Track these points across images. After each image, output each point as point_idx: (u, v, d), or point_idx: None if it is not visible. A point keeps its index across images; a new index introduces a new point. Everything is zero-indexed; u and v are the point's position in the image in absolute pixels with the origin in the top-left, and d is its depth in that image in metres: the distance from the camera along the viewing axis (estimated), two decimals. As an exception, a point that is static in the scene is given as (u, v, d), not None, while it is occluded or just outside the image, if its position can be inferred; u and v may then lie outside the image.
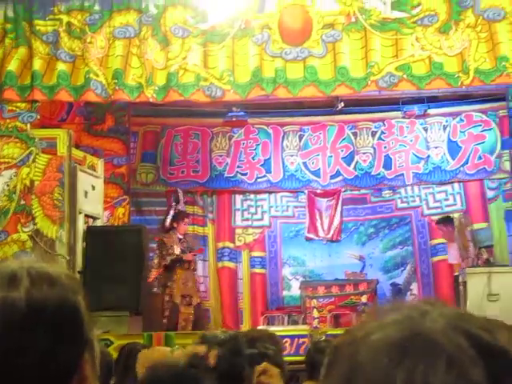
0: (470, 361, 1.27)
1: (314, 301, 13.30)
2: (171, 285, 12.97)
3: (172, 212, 13.66)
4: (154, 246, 13.39)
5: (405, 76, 10.57)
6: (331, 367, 1.40)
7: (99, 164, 12.37)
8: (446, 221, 13.41)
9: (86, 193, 11.54)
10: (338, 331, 9.63)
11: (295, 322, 13.16)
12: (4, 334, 1.66)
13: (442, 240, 14.21)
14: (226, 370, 4.83)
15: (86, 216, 11.65)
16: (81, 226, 11.36)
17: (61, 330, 1.69)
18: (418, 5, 10.51)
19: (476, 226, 13.62)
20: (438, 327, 1.32)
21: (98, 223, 12.08)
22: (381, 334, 1.34)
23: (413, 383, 1.25)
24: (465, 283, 11.22)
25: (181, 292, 12.91)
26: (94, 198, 11.92)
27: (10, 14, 10.95)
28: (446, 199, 14.53)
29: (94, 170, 12.09)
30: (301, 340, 10.08)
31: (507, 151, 12.35)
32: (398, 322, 1.35)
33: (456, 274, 12.51)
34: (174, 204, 13.89)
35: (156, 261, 13.16)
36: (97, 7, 10.98)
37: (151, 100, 11.13)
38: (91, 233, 11.44)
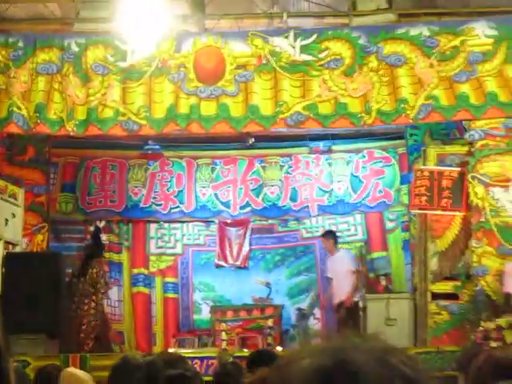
0: None
1: (223, 324, 13.39)
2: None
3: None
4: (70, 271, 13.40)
5: (311, 115, 10.68)
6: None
7: (20, 193, 12.32)
8: (328, 234, 13.64)
9: (6, 220, 11.47)
10: (245, 353, 9.60)
11: (205, 345, 13.13)
12: None
13: (344, 267, 14.46)
14: None
15: (6, 242, 11.54)
16: (0, 251, 11.26)
17: None
18: (325, 49, 10.63)
19: (375, 254, 13.98)
20: (365, 359, 1.38)
21: (18, 249, 11.98)
22: (312, 360, 1.40)
23: None
24: (365, 308, 11.40)
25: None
26: (14, 226, 11.84)
27: None
28: (348, 229, 14.60)
29: (15, 199, 12.03)
30: (210, 361, 10.07)
31: (405, 185, 12.55)
32: (329, 351, 1.41)
33: (356, 299, 12.69)
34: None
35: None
36: (20, 44, 10.95)
37: (72, 134, 11.17)
38: (10, 258, 11.35)
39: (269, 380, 1.60)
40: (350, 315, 12.70)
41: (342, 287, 12.89)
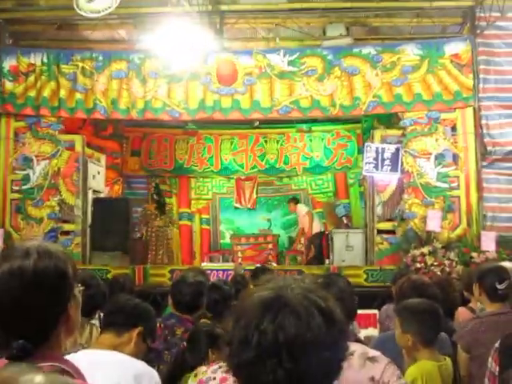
0: (311, 315, 1.49)
1: (239, 246, 13.35)
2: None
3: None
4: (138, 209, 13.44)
5: (295, 107, 10.50)
6: (234, 309, 1.65)
7: (102, 157, 12.34)
8: (291, 200, 13.75)
9: (93, 176, 11.43)
10: (252, 266, 9.58)
11: (226, 260, 13.13)
12: (16, 287, 1.74)
13: (319, 210, 14.36)
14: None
15: (94, 191, 11.48)
16: (90, 197, 11.22)
17: (54, 287, 1.79)
18: (304, 63, 10.40)
19: (340, 201, 13.86)
20: (294, 294, 1.54)
21: (101, 195, 11.92)
22: (260, 294, 1.57)
23: (273, 324, 1.46)
24: (332, 238, 11.32)
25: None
26: (99, 180, 11.79)
27: (45, 59, 10.71)
28: (322, 184, 14.60)
29: (99, 161, 12.01)
30: (229, 272, 9.89)
31: (361, 155, 12.36)
32: (271, 289, 1.57)
33: (327, 232, 12.54)
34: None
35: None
36: (100, 57, 10.77)
37: (135, 118, 11.00)
38: (96, 201, 11.30)
39: (233, 307, 1.76)
40: (310, 242, 12.86)
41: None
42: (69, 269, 1.84)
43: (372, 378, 2.94)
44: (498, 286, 4.37)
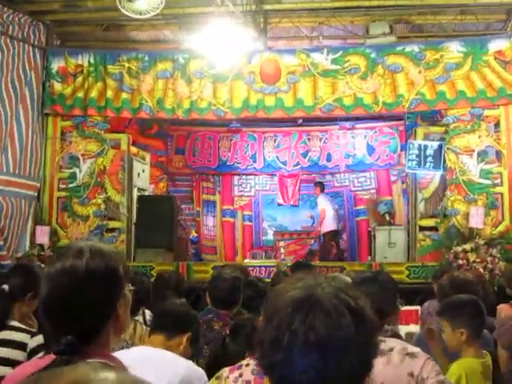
0: (341, 315, 1.50)
1: (282, 242, 13.34)
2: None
3: None
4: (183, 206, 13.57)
5: (338, 105, 10.55)
6: (265, 309, 1.64)
7: (147, 155, 12.40)
8: (317, 184, 13.98)
9: (138, 174, 11.54)
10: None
11: (269, 257, 13.17)
12: (68, 285, 1.81)
13: (362, 207, 14.36)
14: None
15: (139, 189, 11.59)
16: (135, 195, 11.33)
17: (105, 286, 1.86)
18: (348, 61, 10.45)
19: (383, 199, 13.77)
20: (325, 293, 1.54)
21: (146, 193, 12.01)
22: (291, 294, 1.56)
23: (304, 324, 1.48)
24: (374, 235, 11.32)
25: None
26: (144, 177, 11.88)
27: (92, 60, 10.93)
28: (365, 181, 14.51)
29: (144, 159, 12.08)
30: (271, 269, 9.95)
31: (403, 152, 12.31)
32: (301, 288, 1.57)
33: (369, 229, 12.60)
34: None
35: None
36: (146, 58, 10.93)
37: (180, 117, 11.13)
38: (141, 199, 11.39)
39: (264, 306, 1.69)
40: (331, 238, 13.07)
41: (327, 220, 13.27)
42: (120, 269, 1.90)
43: (411, 374, 2.96)
44: None
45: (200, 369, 3.27)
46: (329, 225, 13.16)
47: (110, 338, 1.88)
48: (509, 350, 4.36)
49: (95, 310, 1.82)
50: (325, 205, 13.36)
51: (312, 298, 1.52)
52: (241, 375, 2.64)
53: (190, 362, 3.25)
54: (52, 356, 1.75)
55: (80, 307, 1.80)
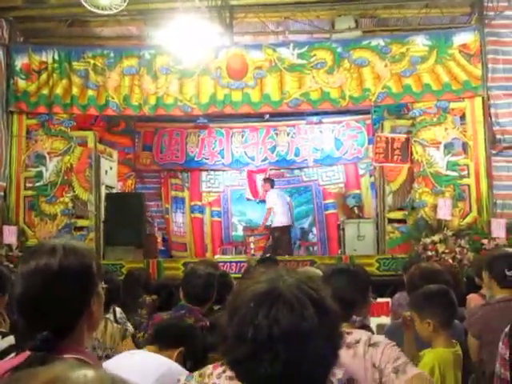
0: (304, 306, 1.51)
1: (252, 238, 13.43)
2: None
3: None
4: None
5: (305, 100, 10.55)
6: (228, 304, 1.63)
7: (115, 152, 12.31)
8: (266, 180, 13.82)
9: (106, 171, 11.46)
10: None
11: (239, 252, 13.21)
12: (43, 284, 1.81)
13: (330, 201, 14.42)
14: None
15: (107, 186, 11.51)
16: (103, 192, 11.25)
17: (79, 283, 1.86)
18: (314, 55, 10.46)
19: (351, 192, 13.87)
20: (287, 286, 1.55)
21: (114, 190, 11.95)
22: (252, 288, 1.57)
23: (267, 318, 1.48)
24: (344, 229, 11.38)
25: None
26: (112, 175, 11.82)
27: (56, 57, 10.78)
28: (333, 175, 14.58)
29: (111, 157, 11.99)
30: (242, 264, 9.97)
31: (371, 146, 12.36)
32: (264, 281, 1.58)
33: (338, 222, 12.68)
34: None
35: None
36: (112, 54, 10.84)
37: (147, 114, 11.07)
38: (109, 197, 11.33)
39: (228, 300, 1.67)
40: (283, 233, 12.96)
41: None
42: (93, 266, 1.90)
43: (374, 365, 2.93)
44: (508, 273, 4.39)
45: (179, 367, 3.26)
46: (280, 220, 12.93)
47: (84, 335, 1.89)
48: (479, 339, 4.40)
49: (69, 307, 1.83)
50: (275, 200, 13.06)
51: (274, 292, 1.53)
52: (224, 371, 2.64)
53: (173, 362, 3.24)
54: (27, 353, 1.75)
55: (54, 305, 1.81)
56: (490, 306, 4.57)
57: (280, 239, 12.79)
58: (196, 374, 2.85)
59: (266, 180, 13.81)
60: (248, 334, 1.48)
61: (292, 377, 1.48)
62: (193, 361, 3.46)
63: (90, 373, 0.88)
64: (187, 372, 3.04)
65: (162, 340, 3.42)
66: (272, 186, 13.47)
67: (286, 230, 13.01)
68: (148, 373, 2.48)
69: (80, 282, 1.85)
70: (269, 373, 1.46)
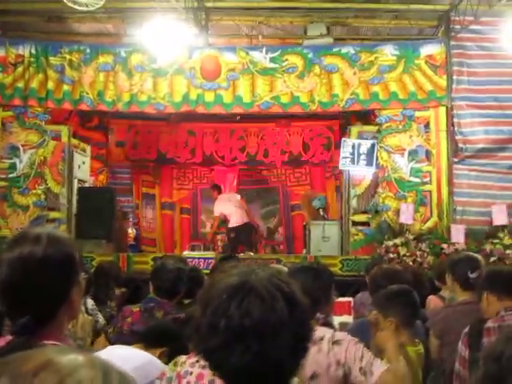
0: (274, 299, 1.52)
1: (220, 236, 13.42)
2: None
3: None
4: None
5: (276, 103, 10.53)
6: (201, 296, 1.65)
7: (88, 148, 12.11)
8: (214, 187, 13.85)
9: (79, 166, 11.33)
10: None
11: (208, 249, 13.18)
12: (27, 271, 1.80)
13: (297, 202, 14.47)
14: None
15: (79, 180, 11.39)
16: (76, 186, 11.14)
17: (62, 272, 1.85)
18: (286, 60, 10.45)
19: (317, 195, 13.83)
20: (259, 279, 1.57)
21: (86, 185, 11.81)
22: (226, 281, 1.60)
23: (239, 309, 1.50)
24: (309, 229, 11.39)
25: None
26: (84, 169, 11.68)
27: (33, 51, 10.66)
28: (300, 177, 14.65)
29: (84, 151, 11.83)
30: (210, 261, 9.93)
31: (338, 150, 12.33)
32: (236, 275, 1.61)
33: (304, 223, 12.68)
34: None
35: None
36: (88, 50, 10.73)
37: (120, 110, 10.99)
38: (82, 191, 11.23)
39: (201, 292, 1.70)
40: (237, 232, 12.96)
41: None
42: (76, 255, 1.91)
43: (338, 362, 2.97)
44: (470, 275, 4.42)
45: (159, 361, 3.28)
46: (233, 221, 12.96)
47: (64, 323, 1.90)
48: (440, 339, 4.44)
49: (51, 295, 1.84)
50: (223, 206, 13.10)
51: (246, 284, 1.55)
52: (198, 361, 2.63)
53: (151, 356, 3.28)
54: (6, 338, 1.77)
55: (36, 292, 1.81)
56: (451, 307, 4.61)
57: (237, 238, 12.78)
58: (171, 363, 2.85)
59: (213, 187, 13.74)
60: (220, 324, 1.50)
61: (262, 367, 1.50)
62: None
63: (80, 356, 0.89)
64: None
65: (147, 339, 3.50)
66: (219, 192, 13.46)
67: (241, 228, 12.94)
68: (129, 361, 2.48)
69: (62, 270, 1.85)
70: (240, 362, 1.48)
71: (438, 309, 4.83)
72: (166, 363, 3.33)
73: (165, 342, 3.47)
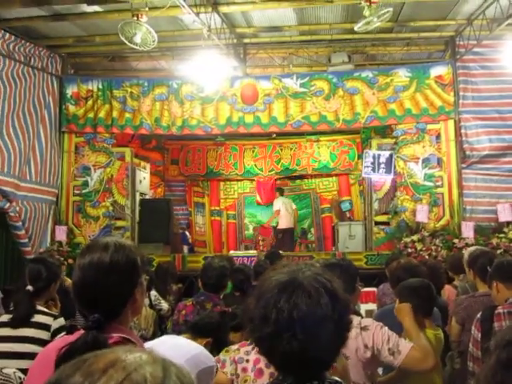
0: (319, 294, 1.51)
1: (260, 236, 13.43)
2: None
3: None
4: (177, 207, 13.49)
5: (306, 122, 10.54)
6: (255, 291, 1.64)
7: (147, 166, 12.31)
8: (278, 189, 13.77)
9: (140, 181, 11.47)
10: None
11: (250, 248, 13.16)
12: (97, 275, 1.82)
13: (326, 205, 14.40)
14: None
15: (141, 193, 11.51)
16: (138, 198, 11.26)
17: (126, 275, 1.86)
18: (314, 85, 10.45)
19: (344, 198, 13.86)
20: (306, 277, 1.56)
21: (147, 197, 11.94)
22: (276, 277, 1.58)
23: (289, 303, 1.49)
24: (337, 229, 11.37)
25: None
26: (145, 184, 11.82)
27: (100, 86, 10.87)
28: (328, 184, 14.53)
29: (145, 169, 12.01)
30: (252, 258, 9.90)
31: (360, 160, 12.34)
32: (286, 272, 1.59)
33: (333, 224, 12.62)
34: None
35: None
36: (145, 83, 10.86)
37: (174, 133, 11.06)
38: (143, 202, 11.36)
39: (254, 288, 1.67)
40: (284, 234, 13.00)
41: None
42: (138, 260, 1.92)
43: (366, 346, 2.97)
44: (489, 269, 4.36)
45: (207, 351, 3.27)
46: (282, 223, 12.98)
47: (128, 318, 1.91)
48: (462, 325, 4.41)
49: (117, 294, 1.85)
50: (279, 206, 13.07)
51: (295, 281, 1.54)
52: (253, 348, 2.60)
53: (202, 347, 3.25)
54: (80, 332, 1.78)
55: (105, 292, 1.83)
56: (473, 298, 4.53)
57: (282, 239, 12.83)
58: (223, 351, 2.83)
59: (276, 189, 13.76)
60: (272, 315, 1.50)
61: (307, 353, 1.50)
62: (218, 350, 3.51)
63: (144, 355, 0.90)
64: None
65: (194, 330, 3.47)
66: (281, 194, 13.44)
67: (287, 231, 13.01)
68: (180, 353, 2.49)
69: (127, 273, 1.87)
70: (288, 349, 1.48)
71: (462, 299, 4.71)
72: (211, 352, 3.35)
73: (209, 333, 3.46)
